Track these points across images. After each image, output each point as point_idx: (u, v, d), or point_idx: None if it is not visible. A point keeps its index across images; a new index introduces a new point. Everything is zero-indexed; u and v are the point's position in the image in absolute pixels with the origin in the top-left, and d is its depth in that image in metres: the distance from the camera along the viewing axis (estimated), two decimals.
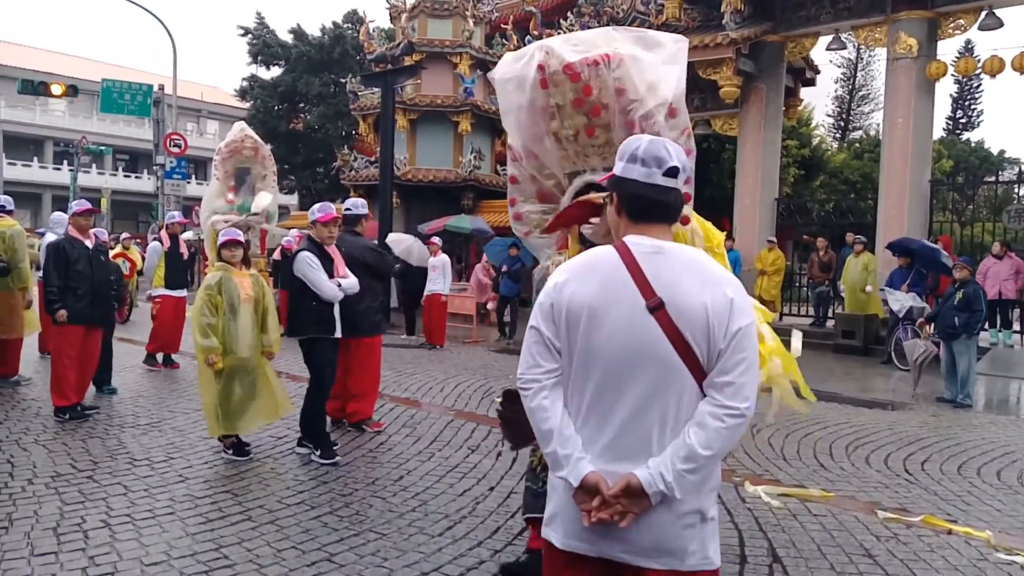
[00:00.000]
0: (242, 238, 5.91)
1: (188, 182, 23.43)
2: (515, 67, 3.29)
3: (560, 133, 3.24)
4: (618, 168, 1.97)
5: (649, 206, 1.93)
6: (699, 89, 15.44)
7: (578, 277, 1.90)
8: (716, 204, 18.63)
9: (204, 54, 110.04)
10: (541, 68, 3.17)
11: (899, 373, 10.59)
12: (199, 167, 45.47)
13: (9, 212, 7.93)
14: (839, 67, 38.00)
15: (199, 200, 11.56)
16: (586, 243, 2.98)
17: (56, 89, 21.49)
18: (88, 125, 43.85)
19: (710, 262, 1.91)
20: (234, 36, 75.12)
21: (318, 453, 5.54)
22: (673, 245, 1.91)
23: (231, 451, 5.59)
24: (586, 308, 1.85)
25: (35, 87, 21.72)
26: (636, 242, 1.90)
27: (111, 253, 7.84)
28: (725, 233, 8.89)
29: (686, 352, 1.80)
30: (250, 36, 34.11)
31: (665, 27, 15.03)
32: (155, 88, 21.70)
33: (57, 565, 3.66)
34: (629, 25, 15.49)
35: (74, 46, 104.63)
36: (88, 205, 7.19)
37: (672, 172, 1.91)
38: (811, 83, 17.61)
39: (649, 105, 3.07)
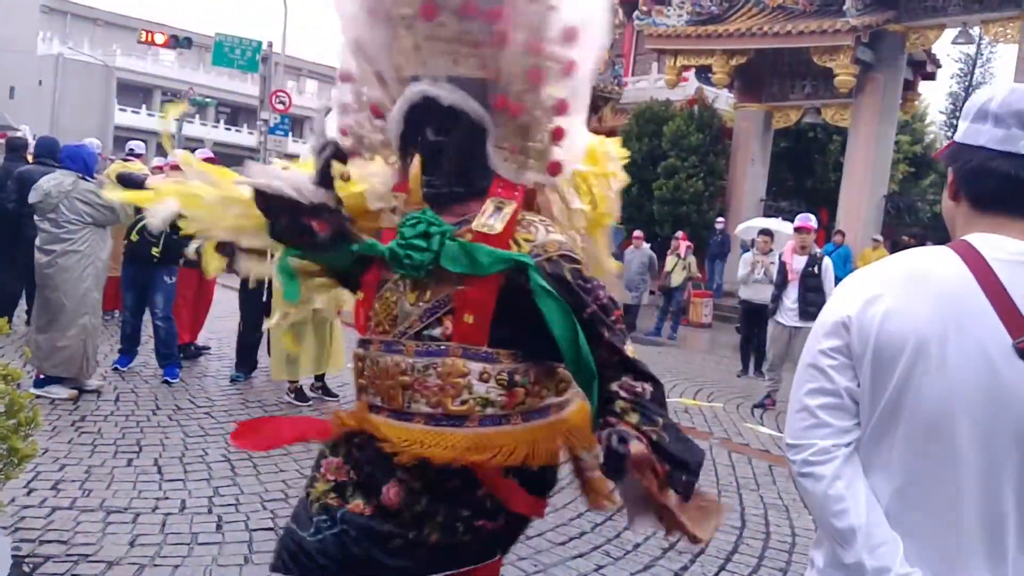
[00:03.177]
0: None
1: (287, 138, 24.10)
2: None
3: (393, 11, 1.90)
4: (960, 131, 1.38)
5: (1004, 188, 1.29)
6: (811, 76, 14.92)
7: (898, 292, 1.26)
8: (817, 196, 18.06)
9: (308, 12, 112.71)
10: None
11: None
12: (295, 124, 46.75)
13: (139, 156, 8.37)
14: (956, 61, 36.00)
15: (298, 157, 11.84)
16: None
17: (160, 39, 22.82)
18: (195, 77, 45.55)
19: None
20: None
21: None
22: None
23: (293, 395, 5.84)
24: (912, 339, 1.22)
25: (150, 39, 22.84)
26: (991, 245, 1.26)
27: None
28: (817, 226, 8.39)
29: None
30: None
31: (781, 9, 14.52)
32: (264, 45, 22.28)
33: (186, 492, 3.90)
34: (743, 7, 15.05)
35: None
36: (209, 154, 7.47)
37: None
38: (931, 77, 16.81)
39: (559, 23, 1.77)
